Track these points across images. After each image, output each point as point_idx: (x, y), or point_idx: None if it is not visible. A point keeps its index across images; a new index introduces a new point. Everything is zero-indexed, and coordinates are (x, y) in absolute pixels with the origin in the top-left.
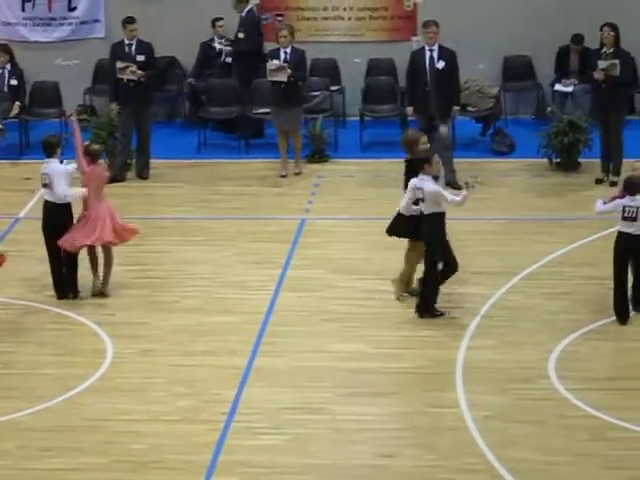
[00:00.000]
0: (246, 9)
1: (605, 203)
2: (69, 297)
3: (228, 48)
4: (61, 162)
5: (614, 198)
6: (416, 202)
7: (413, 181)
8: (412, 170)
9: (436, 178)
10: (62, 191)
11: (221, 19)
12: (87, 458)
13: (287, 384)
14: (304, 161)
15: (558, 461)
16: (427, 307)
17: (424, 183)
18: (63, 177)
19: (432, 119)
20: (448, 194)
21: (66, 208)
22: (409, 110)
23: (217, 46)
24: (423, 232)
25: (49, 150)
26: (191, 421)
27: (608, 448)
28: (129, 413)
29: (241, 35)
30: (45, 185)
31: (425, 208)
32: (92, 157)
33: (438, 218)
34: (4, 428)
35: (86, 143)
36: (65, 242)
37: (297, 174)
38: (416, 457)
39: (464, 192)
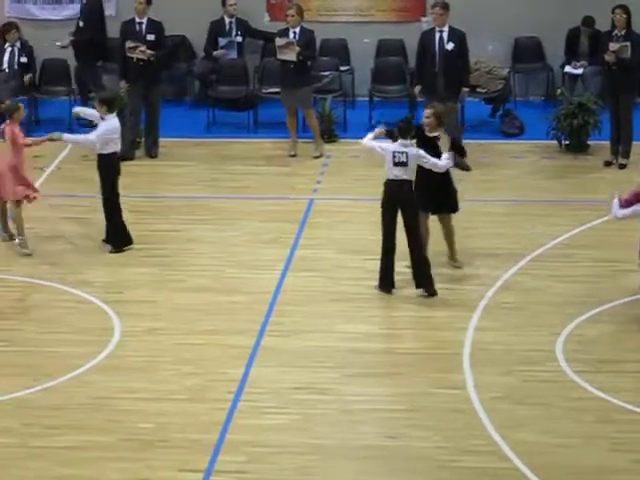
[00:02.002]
0: None
1: (621, 202)
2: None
3: (67, 40)
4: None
5: (630, 201)
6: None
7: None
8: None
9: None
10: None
11: None
12: (93, 436)
13: (294, 364)
14: (322, 143)
15: (565, 443)
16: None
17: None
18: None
19: (440, 100)
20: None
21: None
22: (417, 89)
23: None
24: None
25: (114, 105)
26: (198, 400)
27: (615, 431)
28: (136, 391)
29: (81, 24)
30: (118, 137)
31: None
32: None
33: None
34: (10, 406)
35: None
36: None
37: (317, 157)
38: (423, 438)
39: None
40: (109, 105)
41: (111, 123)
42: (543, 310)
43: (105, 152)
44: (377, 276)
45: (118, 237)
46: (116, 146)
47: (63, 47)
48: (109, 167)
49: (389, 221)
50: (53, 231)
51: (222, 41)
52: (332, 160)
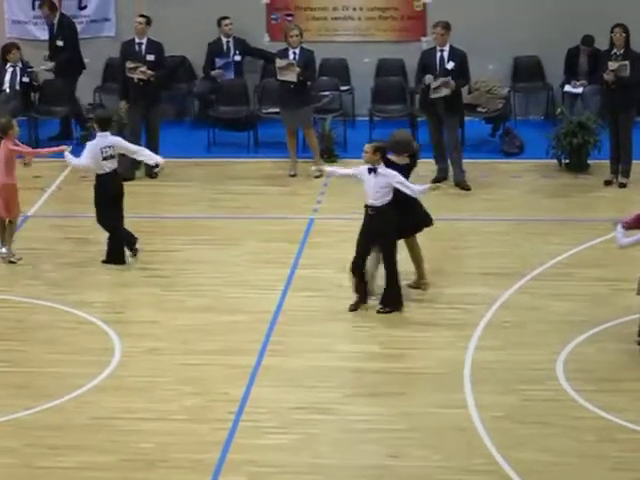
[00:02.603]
0: (58, 15)
1: (623, 224)
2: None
3: (50, 64)
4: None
5: (631, 224)
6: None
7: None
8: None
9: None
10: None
11: (227, 18)
12: (94, 457)
13: (295, 383)
14: (323, 162)
15: (566, 462)
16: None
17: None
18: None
19: (440, 119)
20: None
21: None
22: (428, 78)
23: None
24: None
25: (107, 124)
26: (199, 420)
27: (616, 450)
28: (137, 412)
29: (60, 43)
30: (111, 156)
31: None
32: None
33: None
34: (12, 426)
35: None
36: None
37: (318, 177)
38: (424, 457)
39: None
40: (100, 123)
41: (96, 142)
42: (543, 329)
43: (99, 172)
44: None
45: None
46: (101, 169)
47: (49, 70)
48: (98, 187)
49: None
50: (53, 251)
51: (219, 61)
52: (332, 180)
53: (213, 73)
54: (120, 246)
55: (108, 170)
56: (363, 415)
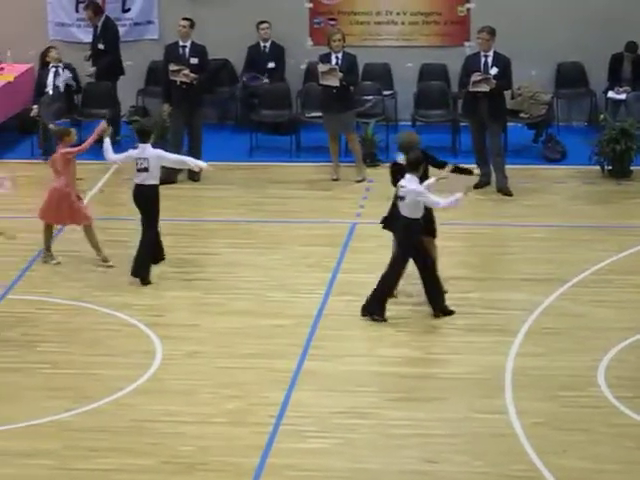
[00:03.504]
0: (103, 18)
1: None
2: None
3: (91, 69)
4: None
5: None
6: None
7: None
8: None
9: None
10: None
11: (265, 22)
12: (134, 459)
13: (336, 388)
14: (365, 167)
15: (607, 469)
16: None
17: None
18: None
19: (483, 124)
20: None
21: (157, 189)
22: (476, 75)
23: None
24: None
25: (146, 136)
26: (239, 424)
27: None
28: (177, 415)
29: (101, 46)
30: (144, 169)
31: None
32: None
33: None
34: (52, 428)
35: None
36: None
37: (359, 181)
38: (463, 463)
39: (458, 195)
40: (141, 135)
41: (135, 153)
42: (585, 335)
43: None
44: (418, 300)
45: (145, 268)
46: (138, 179)
47: (90, 75)
48: (136, 197)
49: None
50: (95, 254)
51: (246, 74)
52: (374, 184)
53: (244, 79)
54: (142, 257)
55: (137, 182)
56: (403, 420)
